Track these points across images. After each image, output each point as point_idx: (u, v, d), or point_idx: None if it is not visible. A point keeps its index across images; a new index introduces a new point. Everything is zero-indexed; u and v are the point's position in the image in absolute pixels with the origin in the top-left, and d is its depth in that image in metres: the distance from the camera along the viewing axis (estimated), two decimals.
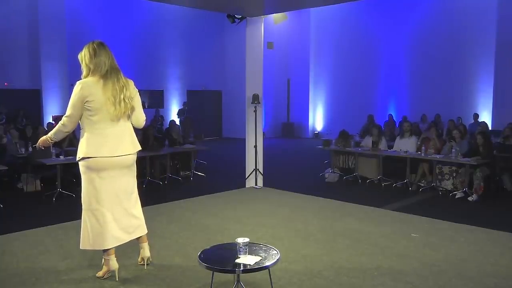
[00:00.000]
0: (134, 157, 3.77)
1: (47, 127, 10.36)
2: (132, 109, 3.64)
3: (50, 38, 13.00)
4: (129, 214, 3.72)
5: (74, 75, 13.50)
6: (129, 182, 3.74)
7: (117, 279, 3.67)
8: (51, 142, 3.70)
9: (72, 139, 8.76)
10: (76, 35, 13.63)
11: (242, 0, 6.55)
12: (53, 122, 11.92)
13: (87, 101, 3.44)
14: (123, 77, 3.59)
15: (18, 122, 11.15)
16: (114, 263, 3.68)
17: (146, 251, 3.91)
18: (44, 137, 3.67)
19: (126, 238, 3.71)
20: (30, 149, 7.82)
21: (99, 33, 14.23)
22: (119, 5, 14.67)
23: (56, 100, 13.22)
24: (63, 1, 13.23)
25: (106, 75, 3.49)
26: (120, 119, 3.56)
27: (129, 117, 3.66)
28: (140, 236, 3.85)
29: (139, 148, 3.80)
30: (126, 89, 3.56)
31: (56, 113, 12.99)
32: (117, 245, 3.67)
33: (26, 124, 10.19)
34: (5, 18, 12.49)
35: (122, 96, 3.51)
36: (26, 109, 12.02)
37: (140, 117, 3.76)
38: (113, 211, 3.61)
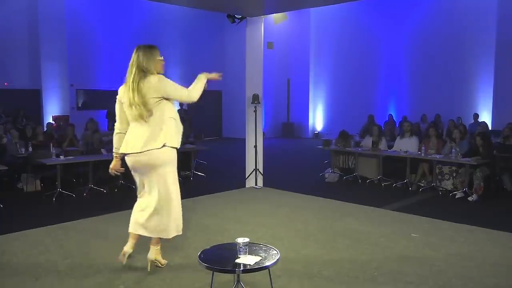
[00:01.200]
0: (156, 155, 3.63)
1: (46, 127, 10.35)
2: (149, 111, 3.62)
3: (50, 38, 13.00)
4: (141, 210, 3.79)
5: (74, 75, 13.63)
6: (152, 180, 3.70)
7: (123, 262, 3.85)
8: (119, 155, 3.81)
9: (72, 139, 8.77)
10: (76, 35, 13.65)
11: (242, 0, 6.55)
12: (53, 122, 11.91)
13: (122, 102, 3.79)
14: (139, 80, 3.63)
15: (18, 122, 11.14)
16: (126, 246, 3.85)
17: (149, 254, 3.88)
18: (112, 163, 3.86)
19: (133, 229, 3.84)
20: (30, 149, 7.81)
21: (99, 33, 14.26)
22: (119, 5, 14.67)
23: (56, 100, 13.21)
24: (63, 1, 13.23)
25: (129, 79, 3.69)
26: (141, 120, 3.64)
27: (150, 117, 3.64)
28: (151, 237, 3.86)
29: (158, 146, 3.62)
30: (136, 93, 3.60)
31: (56, 113, 13.00)
32: (131, 231, 3.83)
33: (26, 124, 10.18)
34: (5, 18, 12.50)
35: (132, 101, 3.62)
36: (26, 109, 12.00)
37: (183, 99, 3.84)
38: (137, 201, 3.87)
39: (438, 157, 7.49)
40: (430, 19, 14.70)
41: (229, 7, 7.11)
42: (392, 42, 15.73)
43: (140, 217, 3.77)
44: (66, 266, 4.02)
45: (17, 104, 12.00)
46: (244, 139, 7.92)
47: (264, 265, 2.89)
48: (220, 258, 3.00)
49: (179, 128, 3.80)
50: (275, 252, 3.08)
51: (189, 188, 7.97)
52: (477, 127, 11.06)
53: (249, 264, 2.87)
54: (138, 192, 3.89)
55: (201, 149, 9.96)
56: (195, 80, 3.90)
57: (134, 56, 3.72)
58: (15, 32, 12.72)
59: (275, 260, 2.95)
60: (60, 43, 13.18)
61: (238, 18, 7.52)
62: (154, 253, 3.87)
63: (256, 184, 7.72)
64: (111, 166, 3.90)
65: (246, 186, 7.73)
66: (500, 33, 13.05)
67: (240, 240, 2.98)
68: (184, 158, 9.14)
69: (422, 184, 7.74)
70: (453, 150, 7.35)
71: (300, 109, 18.62)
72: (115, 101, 3.91)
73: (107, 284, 3.63)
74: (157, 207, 3.72)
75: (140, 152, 3.62)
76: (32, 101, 12.90)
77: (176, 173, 3.82)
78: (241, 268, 2.85)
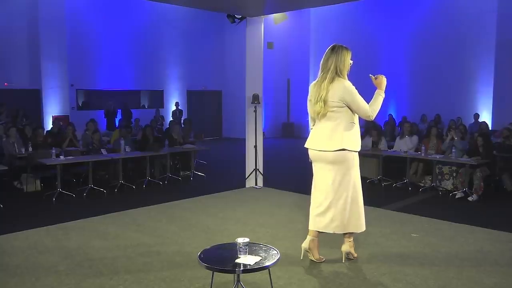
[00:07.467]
0: (335, 155, 3.80)
1: (52, 126, 10.35)
2: (328, 112, 3.78)
3: (50, 38, 13.00)
4: (319, 206, 3.94)
5: (74, 75, 13.63)
6: (329, 177, 3.87)
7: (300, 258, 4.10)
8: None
9: (72, 139, 8.77)
10: (76, 35, 13.65)
11: (242, 0, 6.55)
12: (61, 123, 11.87)
13: (310, 99, 3.93)
14: (329, 79, 3.77)
15: (18, 122, 11.13)
16: (304, 242, 4.06)
17: (343, 246, 4.07)
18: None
19: (317, 226, 3.98)
20: (30, 149, 7.80)
21: (99, 33, 14.26)
22: (119, 5, 14.66)
23: (56, 100, 13.20)
24: (63, 1, 13.23)
25: (320, 76, 3.86)
26: (321, 118, 3.83)
27: (331, 117, 3.79)
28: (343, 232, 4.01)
29: (340, 147, 3.79)
30: (323, 90, 3.75)
31: (56, 113, 12.99)
32: (313, 229, 3.99)
33: (25, 125, 10.16)
34: (5, 18, 12.49)
35: (317, 97, 3.77)
36: (26, 109, 11.98)
37: (360, 113, 3.82)
38: (315, 198, 4.01)
39: (438, 157, 7.49)
40: (430, 19, 14.70)
41: (229, 7, 7.11)
42: (392, 42, 15.73)
43: (319, 214, 3.99)
44: (66, 266, 4.02)
45: (17, 104, 11.99)
46: (244, 139, 7.92)
47: (264, 265, 2.89)
48: (220, 258, 3.00)
49: (357, 132, 3.90)
50: (275, 252, 3.08)
51: (189, 188, 7.98)
52: (478, 127, 11.06)
53: (249, 264, 2.87)
54: (314, 188, 4.06)
55: (201, 149, 9.96)
56: (373, 97, 3.90)
57: (332, 55, 3.81)
58: (15, 32, 12.71)
59: (275, 260, 2.95)
60: (60, 43, 13.18)
61: (238, 18, 7.52)
62: (347, 245, 4.06)
63: (256, 184, 7.72)
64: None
65: (246, 186, 7.73)
66: (500, 33, 13.05)
67: (240, 240, 2.98)
68: (184, 158, 9.17)
69: (422, 184, 7.76)
70: (453, 151, 7.36)
71: (300, 109, 18.58)
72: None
73: (107, 284, 3.63)
74: (336, 203, 3.96)
75: (327, 151, 3.82)
76: (32, 101, 12.89)
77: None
78: (241, 268, 2.85)
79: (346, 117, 3.80)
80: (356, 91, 3.80)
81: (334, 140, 3.79)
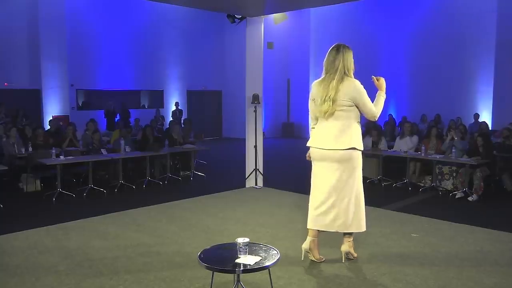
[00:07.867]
0: (344, 154, 3.80)
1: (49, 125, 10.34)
2: (336, 111, 3.77)
3: (50, 38, 13.00)
4: (321, 205, 3.92)
5: (74, 75, 13.63)
6: (335, 176, 3.85)
7: (302, 259, 4.08)
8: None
9: (72, 139, 8.77)
10: (76, 35, 13.65)
11: (242, 0, 6.55)
12: (61, 123, 11.87)
13: (313, 98, 3.91)
14: (338, 79, 3.77)
15: (18, 122, 11.13)
16: (305, 243, 4.05)
17: (342, 246, 4.08)
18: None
19: (318, 225, 3.96)
20: (30, 149, 7.80)
21: (99, 33, 14.26)
22: (119, 5, 14.67)
23: (56, 100, 13.20)
24: (63, 1, 13.23)
25: (325, 76, 3.87)
26: (328, 117, 3.80)
27: (339, 116, 3.78)
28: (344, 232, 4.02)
29: (349, 146, 3.80)
30: (332, 90, 3.75)
31: (56, 113, 12.99)
32: (314, 228, 3.97)
33: (25, 125, 10.16)
34: (5, 18, 12.49)
35: (325, 97, 3.74)
36: (26, 109, 11.99)
37: (367, 113, 3.85)
38: (316, 197, 3.97)
39: (438, 157, 7.49)
40: (430, 19, 14.69)
41: (229, 7, 7.11)
42: (392, 42, 15.72)
43: (326, 213, 3.97)
44: (66, 266, 4.02)
45: (17, 104, 11.99)
46: (244, 139, 7.92)
47: (264, 265, 2.89)
48: (220, 258, 3.00)
49: (361, 132, 3.95)
50: (275, 252, 3.08)
51: (189, 188, 7.98)
52: (478, 127, 11.06)
53: (249, 264, 2.87)
54: (315, 188, 4.04)
55: (201, 149, 9.96)
56: (376, 98, 3.94)
57: (338, 55, 3.82)
58: (15, 32, 12.71)
59: (275, 260, 2.95)
60: (60, 43, 13.18)
61: (238, 18, 7.52)
62: (347, 245, 4.08)
63: (256, 184, 7.72)
64: (307, 155, 4.11)
65: (246, 186, 7.73)
66: (500, 33, 13.05)
67: (240, 240, 2.97)
68: (184, 158, 9.17)
69: (422, 184, 7.76)
70: (453, 151, 7.36)
71: (300, 109, 18.59)
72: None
73: (107, 284, 3.63)
74: (344, 202, 3.93)
75: (335, 150, 3.80)
76: (32, 101, 12.89)
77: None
78: (241, 268, 2.85)
79: (354, 116, 3.82)
80: (365, 91, 3.81)
81: (344, 139, 3.79)
